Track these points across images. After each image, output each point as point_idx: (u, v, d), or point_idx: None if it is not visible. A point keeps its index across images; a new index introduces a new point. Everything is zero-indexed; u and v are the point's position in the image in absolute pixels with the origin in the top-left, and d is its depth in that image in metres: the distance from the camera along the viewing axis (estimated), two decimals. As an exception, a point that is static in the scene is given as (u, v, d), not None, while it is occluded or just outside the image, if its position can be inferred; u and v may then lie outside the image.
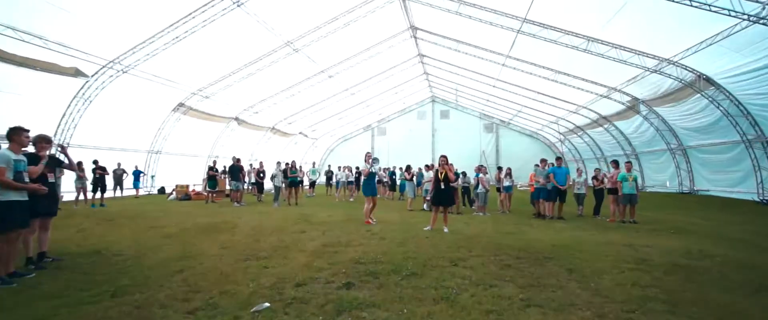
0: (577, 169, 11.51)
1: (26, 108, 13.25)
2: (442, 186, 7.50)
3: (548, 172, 10.36)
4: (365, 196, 8.64)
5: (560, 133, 27.35)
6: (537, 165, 11.72)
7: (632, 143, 21.30)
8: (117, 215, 9.90)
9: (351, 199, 15.51)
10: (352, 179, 15.69)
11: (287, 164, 13.51)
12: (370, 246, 5.96)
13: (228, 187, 12.99)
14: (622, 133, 21.38)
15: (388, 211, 11.32)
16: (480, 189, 11.32)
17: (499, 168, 12.45)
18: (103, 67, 13.94)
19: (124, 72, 14.24)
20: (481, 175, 11.50)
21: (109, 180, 15.74)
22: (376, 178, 15.38)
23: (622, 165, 10.14)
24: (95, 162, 12.43)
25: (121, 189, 16.20)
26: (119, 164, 16.17)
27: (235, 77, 17.61)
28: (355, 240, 6.52)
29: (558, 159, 10.53)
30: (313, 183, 17.79)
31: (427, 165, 14.96)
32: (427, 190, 13.16)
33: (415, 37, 19.90)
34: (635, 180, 9.45)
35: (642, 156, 21.09)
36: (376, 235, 6.90)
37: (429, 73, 26.29)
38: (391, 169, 17.27)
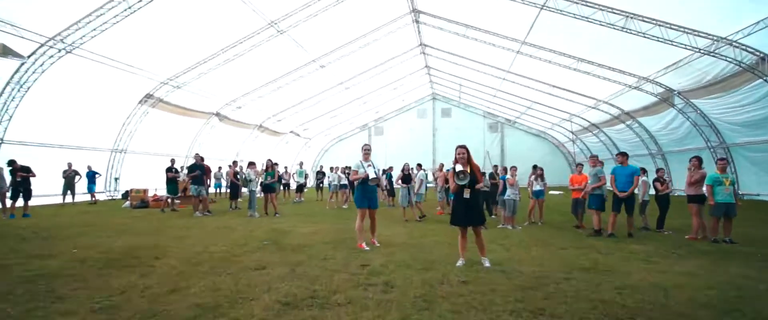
0: (641, 169, 8.72)
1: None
2: (467, 196, 4.60)
3: (597, 173, 7.59)
4: (358, 209, 5.81)
5: (572, 132, 24.67)
6: (580, 165, 8.98)
7: (659, 141, 18.63)
8: (20, 231, 7.00)
9: (344, 206, 12.66)
10: (344, 182, 12.82)
11: (273, 163, 10.59)
12: (367, 309, 3.14)
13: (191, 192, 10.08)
14: (646, 130, 18.73)
15: (389, 225, 8.48)
16: (509, 194, 8.52)
17: (535, 167, 9.65)
18: (42, 45, 11.08)
19: (68, 51, 11.36)
20: (509, 177, 8.72)
21: (51, 184, 12.93)
22: (337, 179, 12.76)
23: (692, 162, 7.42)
24: (11, 162, 9.45)
25: (73, 193, 13.30)
26: (70, 165, 13.28)
27: (210, 64, 14.76)
28: (342, 289, 3.69)
29: (622, 154, 7.66)
30: (301, 187, 14.90)
31: (418, 165, 12.01)
32: (420, 195, 10.28)
33: (417, 22, 17.14)
34: (733, 184, 6.69)
35: (670, 156, 18.43)
36: (378, 278, 4.05)
37: (431, 67, 23.55)
38: (389, 172, 14.43)
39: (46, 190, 12.99)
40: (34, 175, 9.60)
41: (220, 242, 6.11)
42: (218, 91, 17.23)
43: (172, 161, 11.11)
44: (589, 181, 7.70)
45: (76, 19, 10.79)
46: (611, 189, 7.49)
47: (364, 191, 5.82)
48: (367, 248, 5.61)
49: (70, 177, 13.15)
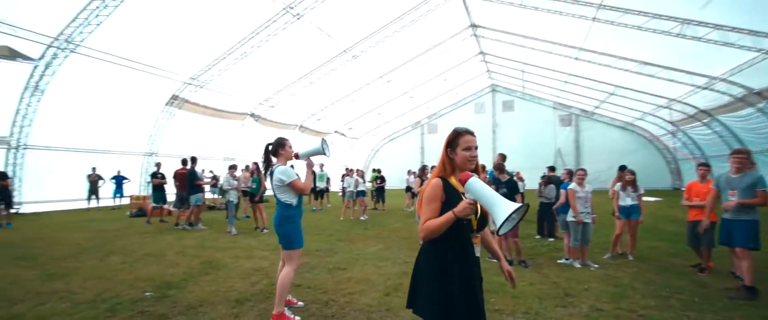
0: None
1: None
2: (479, 252, 1.83)
3: (755, 183, 4.05)
4: (285, 249, 3.34)
5: (671, 122, 19.21)
6: (704, 166, 5.35)
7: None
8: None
9: (363, 218, 10.15)
10: (362, 188, 10.31)
11: (258, 167, 8.55)
12: None
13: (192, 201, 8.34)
14: (790, 115, 13.22)
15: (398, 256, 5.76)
16: (578, 214, 5.28)
17: (623, 170, 6.18)
18: (49, 46, 10.40)
19: (72, 51, 10.56)
20: (572, 187, 5.45)
21: (69, 189, 12.47)
22: (354, 184, 9.84)
23: None
24: None
25: (98, 197, 12.77)
26: (94, 169, 12.76)
27: (229, 60, 13.38)
28: None
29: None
30: (321, 193, 12.73)
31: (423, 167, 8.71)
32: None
33: (463, -5, 14.01)
34: None
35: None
36: None
37: (486, 52, 19.98)
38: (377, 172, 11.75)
39: (72, 195, 12.67)
40: (6, 184, 8.69)
41: (92, 287, 4.01)
42: (247, 90, 15.96)
43: (157, 165, 9.63)
44: (735, 196, 4.19)
45: (74, 15, 9.89)
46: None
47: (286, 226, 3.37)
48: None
49: (94, 182, 12.63)
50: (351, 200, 10.28)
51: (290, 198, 3.40)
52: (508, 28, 15.84)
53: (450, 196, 1.78)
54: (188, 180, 8.55)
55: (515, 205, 1.49)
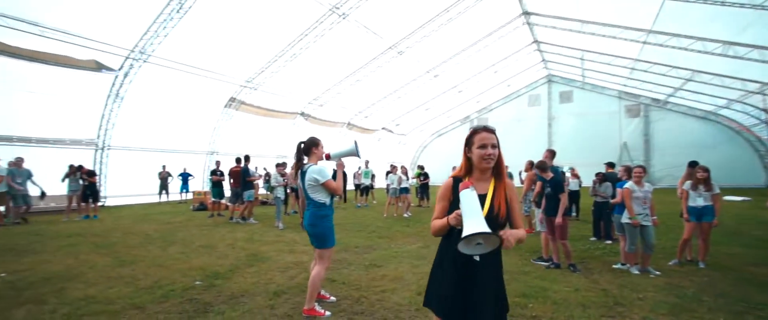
0: None
1: (59, 109, 11.75)
2: (478, 258, 1.74)
3: None
4: (318, 248, 3.43)
5: (765, 110, 16.75)
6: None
7: None
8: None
9: (406, 214, 10.17)
10: (406, 185, 10.30)
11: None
12: None
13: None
14: None
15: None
16: (634, 215, 4.84)
17: (693, 167, 5.53)
18: (127, 57, 11.68)
19: (145, 61, 11.76)
20: (629, 185, 4.99)
21: (144, 185, 13.91)
22: (397, 181, 10.04)
23: None
24: (80, 167, 9.77)
25: (167, 193, 14.16)
26: (164, 167, 14.17)
27: (280, 62, 14.06)
28: None
29: None
30: (366, 189, 12.96)
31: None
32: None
33: (512, -18, 13.35)
34: None
35: None
36: None
37: (541, 40, 18.87)
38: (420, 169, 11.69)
39: (146, 190, 14.17)
40: (93, 181, 9.87)
41: (153, 274, 4.46)
42: (297, 90, 16.66)
43: (217, 163, 10.53)
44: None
45: (146, 28, 11.00)
46: None
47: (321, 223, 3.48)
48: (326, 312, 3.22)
49: (163, 178, 14.00)
50: (394, 197, 10.33)
51: (323, 198, 3.46)
52: (565, 14, 14.86)
53: (457, 198, 1.74)
54: (241, 177, 9.17)
55: (483, 229, 1.41)
